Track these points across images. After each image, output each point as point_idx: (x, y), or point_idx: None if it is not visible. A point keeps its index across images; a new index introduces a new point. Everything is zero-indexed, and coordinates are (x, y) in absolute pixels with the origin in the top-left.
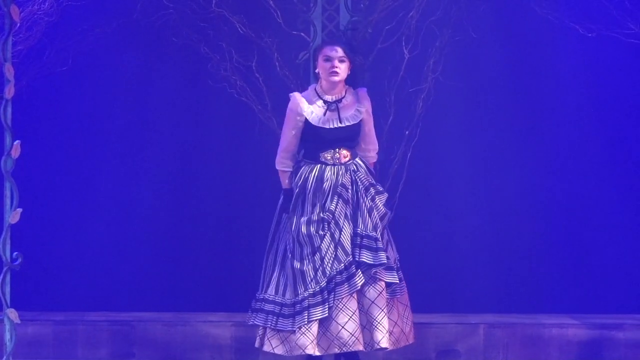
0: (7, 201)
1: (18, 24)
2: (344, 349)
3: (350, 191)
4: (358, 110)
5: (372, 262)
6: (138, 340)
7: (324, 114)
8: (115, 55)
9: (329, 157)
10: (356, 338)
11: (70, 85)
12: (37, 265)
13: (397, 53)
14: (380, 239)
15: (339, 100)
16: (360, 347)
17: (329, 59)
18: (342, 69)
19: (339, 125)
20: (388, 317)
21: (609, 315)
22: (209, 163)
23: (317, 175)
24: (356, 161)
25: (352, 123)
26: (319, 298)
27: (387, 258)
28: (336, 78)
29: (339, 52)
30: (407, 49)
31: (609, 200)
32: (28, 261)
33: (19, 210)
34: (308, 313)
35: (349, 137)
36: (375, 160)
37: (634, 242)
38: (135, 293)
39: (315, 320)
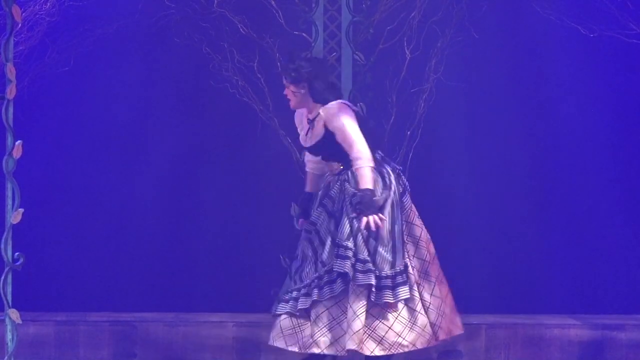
0: (9, 201)
1: (20, 24)
2: (303, 349)
3: (336, 202)
4: (319, 127)
5: (338, 270)
6: (140, 340)
7: (306, 133)
8: (117, 55)
9: (325, 169)
10: (314, 341)
11: (71, 86)
12: (39, 266)
13: (398, 53)
14: (350, 247)
15: (313, 119)
16: (316, 350)
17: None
18: (291, 96)
19: (308, 144)
20: (360, 319)
21: (610, 316)
22: (210, 163)
23: (318, 183)
24: (352, 170)
25: (315, 141)
26: (287, 298)
27: (364, 262)
28: (290, 105)
29: (285, 81)
30: (408, 50)
31: (611, 200)
32: (30, 261)
33: (21, 210)
34: (275, 310)
35: (324, 152)
36: (359, 167)
37: (636, 242)
38: (136, 293)
39: (279, 316)
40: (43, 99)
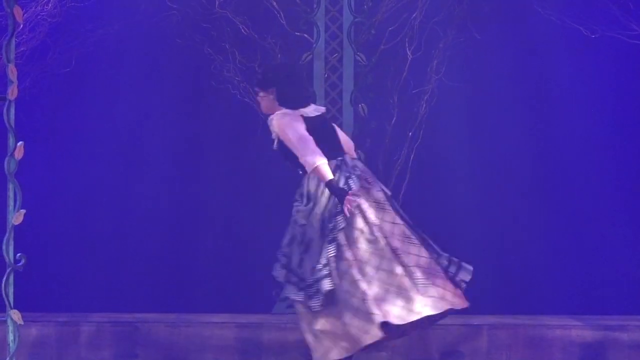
0: (11, 202)
1: (21, 25)
2: None
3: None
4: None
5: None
6: (141, 341)
7: None
8: (118, 56)
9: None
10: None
11: (73, 86)
12: (41, 267)
13: (400, 54)
14: (286, 255)
15: None
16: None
17: None
18: (260, 100)
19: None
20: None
21: (612, 317)
22: (211, 164)
23: None
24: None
25: (276, 147)
26: None
27: (292, 272)
28: (262, 109)
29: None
30: (410, 50)
31: (612, 200)
32: (31, 262)
33: (22, 211)
34: None
35: (284, 158)
36: (310, 172)
37: (637, 242)
38: (138, 294)
39: None
40: (45, 100)
